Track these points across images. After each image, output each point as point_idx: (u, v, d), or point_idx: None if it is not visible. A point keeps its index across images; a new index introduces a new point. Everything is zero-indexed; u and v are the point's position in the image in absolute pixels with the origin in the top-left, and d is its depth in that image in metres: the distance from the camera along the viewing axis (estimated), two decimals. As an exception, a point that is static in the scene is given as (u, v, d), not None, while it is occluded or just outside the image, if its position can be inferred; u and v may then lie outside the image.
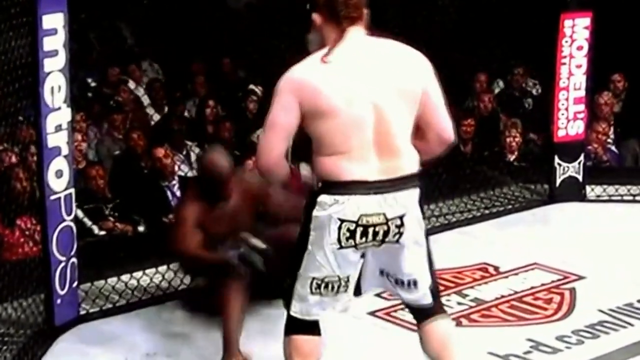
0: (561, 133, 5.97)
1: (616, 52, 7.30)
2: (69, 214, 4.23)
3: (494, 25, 8.23)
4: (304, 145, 3.24)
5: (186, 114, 8.36)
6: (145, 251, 4.90)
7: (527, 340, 4.11)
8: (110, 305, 4.53)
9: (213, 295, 4.07)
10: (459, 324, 4.19)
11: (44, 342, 4.17)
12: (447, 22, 7.27)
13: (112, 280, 4.70)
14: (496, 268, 4.93)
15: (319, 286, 3.15)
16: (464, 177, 6.04)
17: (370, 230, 3.05)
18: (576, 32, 5.85)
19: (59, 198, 4.17)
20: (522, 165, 6.81)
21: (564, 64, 5.89)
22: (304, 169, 3.40)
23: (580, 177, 6.02)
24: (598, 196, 6.08)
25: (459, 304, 4.48)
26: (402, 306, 4.28)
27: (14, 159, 5.55)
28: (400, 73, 3.06)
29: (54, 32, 4.05)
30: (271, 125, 3.05)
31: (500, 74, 8.64)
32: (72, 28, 4.20)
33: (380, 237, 3.08)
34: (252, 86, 8.80)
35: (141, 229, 6.15)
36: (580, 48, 5.88)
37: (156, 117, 8.37)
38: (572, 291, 4.62)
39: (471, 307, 4.46)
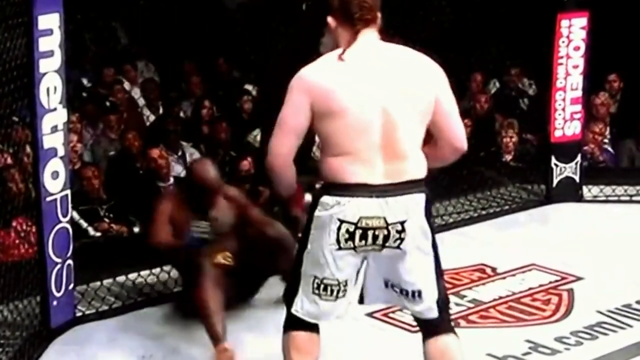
0: (558, 133, 5.96)
1: (612, 52, 7.30)
2: (64, 216, 4.21)
3: (490, 25, 8.23)
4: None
5: (182, 114, 8.35)
6: (141, 252, 4.86)
7: (526, 342, 4.10)
8: (106, 307, 4.51)
9: (189, 297, 4.14)
10: (457, 325, 4.15)
11: (39, 344, 4.15)
12: (444, 22, 7.26)
13: (108, 282, 4.69)
14: (494, 269, 4.92)
15: (318, 286, 3.15)
16: (461, 177, 6.02)
17: (370, 233, 3.04)
18: (573, 32, 5.84)
19: (55, 200, 4.15)
20: (518, 165, 6.80)
21: (561, 64, 5.88)
22: (308, 196, 3.41)
23: (577, 178, 6.02)
24: (595, 197, 6.07)
25: (457, 305, 4.46)
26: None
27: (9, 160, 5.51)
28: (411, 79, 3.06)
29: (49, 32, 4.03)
30: (281, 125, 3.06)
31: (496, 74, 8.64)
32: (67, 28, 4.18)
33: (380, 241, 3.06)
34: (247, 86, 8.80)
35: (137, 229, 6.13)
36: (577, 48, 5.87)
37: (151, 117, 8.35)
38: (570, 292, 4.61)
39: (469, 308, 4.44)
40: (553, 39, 5.88)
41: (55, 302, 4.19)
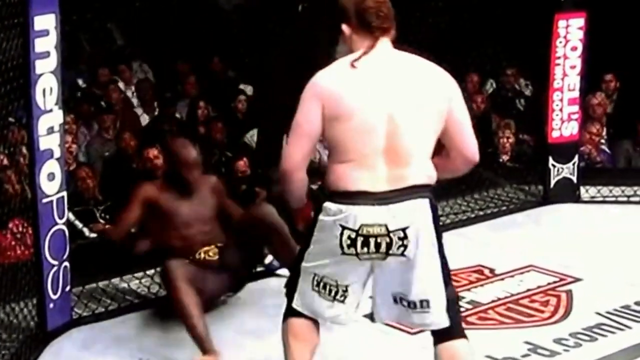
0: (555, 134, 5.95)
1: (608, 52, 7.29)
2: (61, 218, 4.19)
3: (486, 26, 8.23)
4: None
5: (177, 115, 8.32)
6: (137, 254, 4.85)
7: (525, 343, 4.09)
8: (102, 309, 4.49)
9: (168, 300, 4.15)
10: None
11: (36, 346, 4.12)
12: (440, 22, 7.25)
13: (104, 284, 4.67)
14: (492, 270, 4.91)
15: (318, 284, 3.17)
16: (458, 178, 5.99)
17: (372, 240, 3.04)
18: (570, 33, 5.83)
19: (51, 201, 4.13)
20: (515, 166, 6.79)
21: (558, 64, 5.87)
22: None
23: (574, 178, 6.01)
24: (592, 197, 6.06)
25: (455, 306, 4.45)
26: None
27: (5, 162, 5.49)
28: (423, 88, 3.07)
29: (45, 33, 4.01)
30: (294, 130, 3.10)
31: (493, 75, 8.64)
32: (63, 29, 4.16)
33: (383, 249, 3.05)
34: (242, 86, 8.78)
35: (132, 230, 6.10)
36: (574, 49, 5.86)
37: (145, 117, 8.33)
38: (569, 293, 4.60)
39: (467, 309, 4.42)
40: (550, 39, 5.86)
41: (51, 305, 4.17)
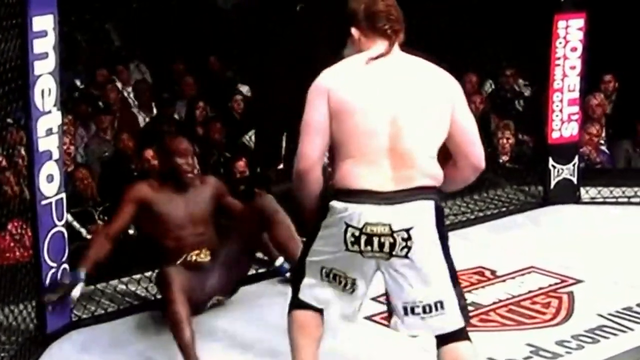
0: (555, 135, 5.93)
1: (606, 52, 7.28)
2: (60, 219, 4.17)
3: (485, 26, 8.21)
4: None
5: (176, 115, 8.31)
6: (137, 256, 4.83)
7: (527, 345, 4.07)
8: (102, 311, 4.46)
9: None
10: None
11: (35, 349, 4.10)
12: (439, 23, 7.24)
13: (103, 286, 4.65)
14: (493, 272, 4.89)
15: (327, 275, 3.18)
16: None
17: (375, 240, 3.04)
18: (570, 33, 5.81)
19: (50, 203, 4.10)
20: (515, 167, 6.78)
21: (558, 65, 5.85)
22: None
23: (574, 179, 5.99)
24: (592, 198, 6.04)
25: (456, 308, 4.43)
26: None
27: (4, 163, 5.47)
28: (427, 91, 3.08)
29: (44, 34, 3.98)
30: (304, 129, 3.11)
31: (491, 75, 8.63)
32: (62, 30, 4.14)
33: (386, 249, 3.05)
34: (240, 86, 8.76)
35: (131, 232, 6.08)
36: (574, 49, 5.84)
37: (144, 118, 8.31)
38: (570, 295, 4.58)
39: (469, 311, 4.39)
40: (550, 40, 5.85)
41: (50, 307, 4.14)
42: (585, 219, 5.73)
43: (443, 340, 3.20)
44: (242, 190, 6.17)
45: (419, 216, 3.04)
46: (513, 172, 6.55)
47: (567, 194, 5.98)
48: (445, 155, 3.16)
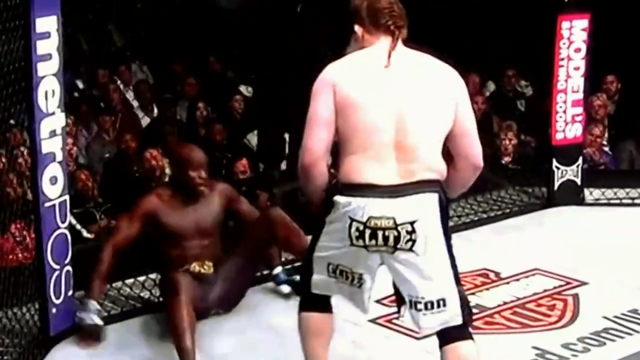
0: (559, 136, 5.91)
1: (609, 53, 7.27)
2: (63, 221, 4.14)
3: (486, 26, 8.21)
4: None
5: (177, 116, 8.30)
6: (140, 258, 4.80)
7: (533, 348, 4.05)
8: (105, 314, 4.43)
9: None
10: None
11: (39, 351, 4.08)
12: (441, 23, 7.23)
13: (106, 288, 4.61)
14: (497, 274, 4.87)
15: (334, 271, 3.20)
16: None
17: (380, 233, 3.05)
18: (574, 34, 5.78)
19: (54, 205, 4.08)
20: (518, 168, 6.76)
21: (562, 66, 5.82)
22: None
23: (578, 181, 5.96)
24: (596, 200, 6.02)
25: (461, 310, 4.41)
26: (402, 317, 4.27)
27: (6, 164, 5.44)
28: (432, 86, 3.09)
29: (47, 35, 3.96)
30: (309, 121, 3.11)
31: (492, 76, 8.62)
32: (65, 31, 4.12)
33: (391, 242, 3.05)
34: (242, 87, 8.75)
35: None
36: (578, 50, 5.81)
37: (145, 119, 8.29)
38: (575, 297, 4.55)
39: (474, 314, 4.37)
40: (552, 40, 5.82)
41: (54, 309, 4.12)
42: (589, 220, 5.70)
43: (446, 339, 3.20)
44: (244, 191, 6.15)
45: (423, 209, 3.05)
46: (516, 173, 6.52)
47: (571, 196, 5.95)
48: (446, 159, 3.17)
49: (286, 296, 4.53)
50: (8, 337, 4.13)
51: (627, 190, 6.04)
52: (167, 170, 6.73)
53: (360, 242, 3.08)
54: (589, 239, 5.33)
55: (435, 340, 3.29)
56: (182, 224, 4.28)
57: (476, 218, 5.74)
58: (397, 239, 3.04)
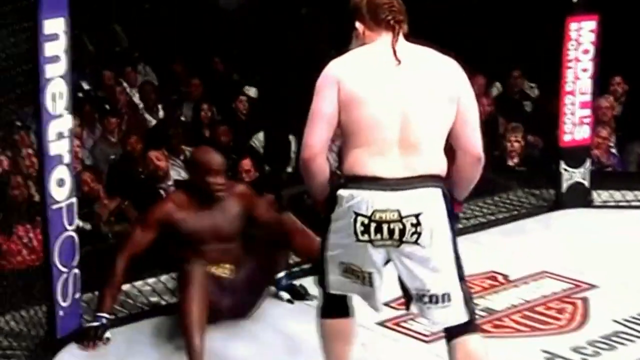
0: (567, 138, 5.89)
1: (615, 54, 7.24)
2: (70, 224, 4.13)
3: (492, 27, 8.19)
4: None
5: (182, 117, 8.28)
6: (147, 260, 4.78)
7: (543, 352, 4.03)
8: (113, 316, 4.41)
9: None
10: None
11: (46, 354, 4.07)
12: (446, 24, 7.21)
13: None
14: (505, 276, 4.84)
15: (346, 270, 3.20)
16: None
17: (385, 227, 3.06)
18: (582, 36, 5.76)
19: (61, 207, 4.07)
20: (526, 170, 6.73)
21: (570, 67, 5.80)
22: None
23: (586, 183, 5.94)
24: (605, 202, 6.00)
25: (470, 313, 4.38)
26: (412, 316, 4.25)
27: (12, 166, 5.45)
28: (434, 79, 3.10)
29: (55, 37, 3.95)
30: (311, 116, 3.12)
31: (498, 77, 8.60)
32: (73, 33, 4.11)
33: (396, 235, 3.06)
34: (247, 88, 8.74)
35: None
36: (586, 51, 5.79)
37: (151, 120, 8.28)
38: (585, 300, 4.53)
39: (482, 317, 4.34)
40: (559, 41, 5.80)
41: (61, 312, 4.10)
42: (597, 223, 5.67)
43: (452, 333, 3.21)
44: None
45: (428, 202, 3.06)
46: (524, 175, 6.49)
47: (579, 198, 5.93)
48: (448, 157, 3.17)
49: (289, 301, 4.51)
50: (15, 340, 4.12)
51: (636, 192, 6.02)
52: (172, 172, 6.73)
53: (366, 237, 3.08)
54: (597, 241, 5.30)
55: (443, 344, 3.28)
56: (199, 228, 4.20)
57: (484, 220, 5.72)
58: (402, 232, 3.05)
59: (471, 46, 7.21)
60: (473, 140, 3.13)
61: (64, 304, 4.11)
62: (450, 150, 3.18)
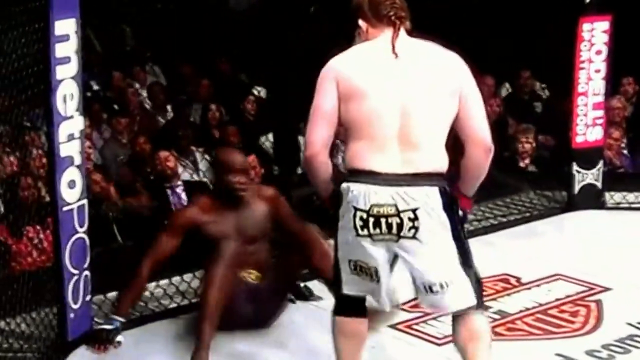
0: (580, 139, 5.86)
1: (626, 55, 7.20)
2: (81, 226, 4.11)
3: (501, 28, 8.16)
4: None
5: (191, 118, 8.27)
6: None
7: (557, 355, 4.00)
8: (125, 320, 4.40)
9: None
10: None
11: (57, 357, 4.06)
12: (453, 24, 7.18)
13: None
14: (518, 279, 4.81)
15: (355, 267, 3.23)
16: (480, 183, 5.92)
17: (383, 221, 3.09)
18: (595, 36, 5.73)
19: (72, 209, 4.05)
20: (538, 172, 6.70)
21: (583, 68, 5.78)
22: None
23: (599, 184, 5.91)
24: (617, 204, 5.97)
25: (483, 316, 4.36)
26: (424, 318, 4.23)
27: (22, 167, 5.42)
28: (435, 74, 3.11)
29: (66, 38, 3.94)
30: (312, 113, 3.16)
31: (507, 78, 8.56)
32: (84, 34, 4.09)
33: (394, 230, 3.10)
34: (257, 88, 8.72)
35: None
36: (599, 52, 5.77)
37: (161, 121, 8.27)
38: (599, 303, 4.49)
39: (495, 320, 4.32)
40: (571, 42, 5.77)
41: (72, 314, 4.09)
42: (610, 224, 5.64)
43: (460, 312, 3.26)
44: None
45: (425, 199, 3.08)
46: (536, 177, 6.46)
47: (592, 199, 5.91)
48: (456, 150, 3.19)
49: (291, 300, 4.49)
50: (26, 343, 4.11)
51: (649, 194, 5.99)
52: (185, 173, 6.71)
53: (365, 232, 3.12)
54: (610, 243, 5.27)
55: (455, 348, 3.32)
56: (224, 230, 4.14)
57: (496, 222, 5.71)
58: (400, 226, 3.09)
59: (480, 46, 7.18)
60: (480, 130, 3.13)
61: (74, 306, 4.09)
62: (458, 143, 3.18)
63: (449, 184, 3.16)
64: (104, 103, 8.15)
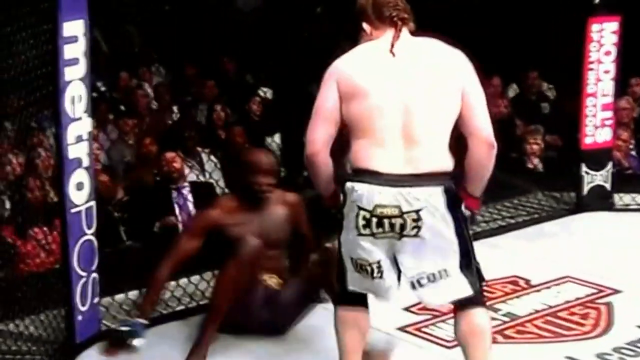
0: (589, 140, 5.83)
1: (633, 55, 7.17)
2: (89, 228, 4.09)
3: (509, 29, 8.15)
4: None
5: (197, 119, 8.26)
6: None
7: (567, 358, 3.96)
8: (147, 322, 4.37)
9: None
10: (494, 340, 4.01)
11: (64, 359, 4.03)
12: (460, 25, 7.16)
13: (133, 294, 4.55)
14: (527, 281, 4.78)
15: (356, 265, 3.25)
16: (488, 185, 5.89)
17: (386, 221, 3.12)
18: (604, 37, 5.71)
19: (80, 211, 4.03)
20: (546, 173, 6.68)
21: (592, 69, 5.75)
22: None
23: (608, 186, 5.89)
24: (626, 205, 5.94)
25: (492, 319, 4.28)
26: (433, 321, 4.21)
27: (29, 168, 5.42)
28: (438, 72, 3.12)
29: (74, 39, 3.92)
30: (314, 113, 3.18)
31: (514, 78, 8.55)
32: (92, 35, 4.08)
33: (397, 229, 3.12)
34: (263, 89, 8.71)
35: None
36: (608, 53, 5.74)
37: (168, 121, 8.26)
38: (609, 306, 4.46)
39: (505, 322, 4.30)
40: (583, 43, 5.74)
41: (80, 317, 4.07)
42: (619, 226, 5.60)
43: (459, 306, 3.28)
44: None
45: (428, 199, 3.09)
46: (544, 178, 6.44)
47: (601, 201, 5.88)
48: (460, 149, 3.18)
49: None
50: (34, 345, 4.09)
51: (659, 196, 5.96)
52: (187, 172, 6.70)
53: (367, 231, 3.14)
54: (620, 245, 5.24)
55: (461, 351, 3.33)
56: (247, 232, 4.03)
57: (504, 224, 5.68)
58: (402, 226, 3.11)
59: (487, 47, 7.16)
60: (482, 126, 3.13)
61: (82, 309, 4.07)
62: (462, 142, 3.18)
63: (455, 183, 3.16)
64: (111, 104, 8.15)
